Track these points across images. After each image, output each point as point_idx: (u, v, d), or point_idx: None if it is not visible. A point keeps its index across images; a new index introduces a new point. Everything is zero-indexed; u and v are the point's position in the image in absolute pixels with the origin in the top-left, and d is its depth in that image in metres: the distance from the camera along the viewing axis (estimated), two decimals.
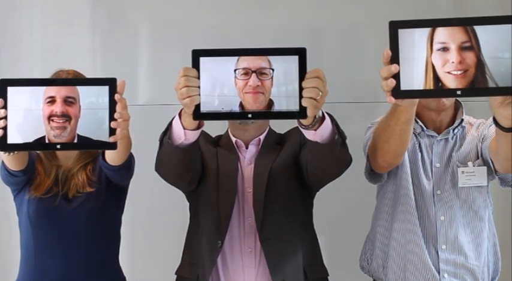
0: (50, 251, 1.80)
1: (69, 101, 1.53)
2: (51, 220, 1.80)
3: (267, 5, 2.71)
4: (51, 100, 1.52)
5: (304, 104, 1.42)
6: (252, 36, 2.66)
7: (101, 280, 1.85)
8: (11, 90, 1.50)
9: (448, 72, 1.34)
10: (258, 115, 1.49)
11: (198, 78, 1.45)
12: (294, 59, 1.45)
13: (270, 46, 1.49)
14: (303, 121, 1.49)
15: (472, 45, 1.33)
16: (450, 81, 1.34)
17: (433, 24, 1.35)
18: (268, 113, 1.48)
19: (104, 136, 1.50)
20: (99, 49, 2.74)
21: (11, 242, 2.59)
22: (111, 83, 1.49)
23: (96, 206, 1.82)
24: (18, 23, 2.73)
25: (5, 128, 1.49)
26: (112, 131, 1.49)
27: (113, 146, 1.51)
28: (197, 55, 1.46)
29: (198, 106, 1.46)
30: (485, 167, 1.84)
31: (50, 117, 1.52)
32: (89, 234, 1.82)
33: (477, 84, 1.33)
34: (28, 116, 1.51)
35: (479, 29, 1.33)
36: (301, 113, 1.44)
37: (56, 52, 2.70)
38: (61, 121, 1.52)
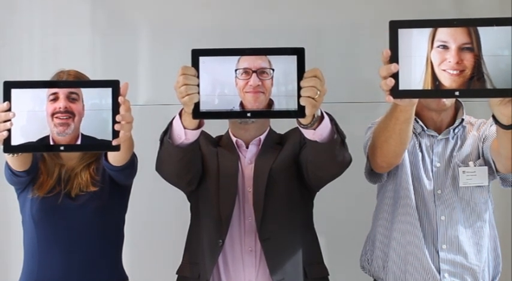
0: (53, 249, 1.80)
1: (72, 97, 1.54)
2: (55, 219, 1.81)
3: (267, 5, 2.71)
4: (54, 97, 1.53)
5: (302, 103, 1.43)
6: (252, 36, 2.66)
7: (104, 279, 1.85)
8: (14, 92, 1.50)
9: (444, 70, 1.34)
10: (257, 114, 1.49)
11: (197, 77, 1.45)
12: (294, 59, 1.45)
13: (270, 46, 1.50)
14: (301, 120, 1.49)
15: (472, 47, 1.33)
16: (446, 80, 1.34)
17: (434, 24, 1.34)
18: (267, 112, 1.49)
19: (108, 138, 1.50)
20: (99, 49, 2.74)
21: (10, 241, 2.60)
22: (114, 85, 1.49)
23: (100, 205, 1.83)
24: (18, 23, 2.73)
25: (9, 130, 1.49)
26: (115, 133, 1.49)
27: (116, 148, 1.51)
28: (196, 54, 1.46)
29: (197, 105, 1.46)
30: (486, 167, 1.84)
31: (53, 115, 1.53)
32: (92, 233, 1.82)
33: (474, 85, 1.32)
34: (31, 118, 1.52)
35: (480, 28, 1.33)
36: (300, 112, 1.44)
37: (56, 52, 2.70)
38: (64, 118, 1.53)
